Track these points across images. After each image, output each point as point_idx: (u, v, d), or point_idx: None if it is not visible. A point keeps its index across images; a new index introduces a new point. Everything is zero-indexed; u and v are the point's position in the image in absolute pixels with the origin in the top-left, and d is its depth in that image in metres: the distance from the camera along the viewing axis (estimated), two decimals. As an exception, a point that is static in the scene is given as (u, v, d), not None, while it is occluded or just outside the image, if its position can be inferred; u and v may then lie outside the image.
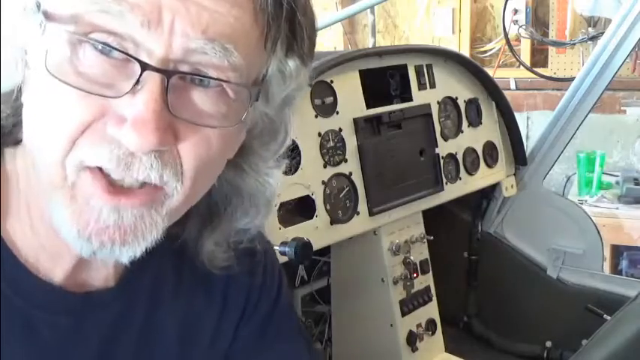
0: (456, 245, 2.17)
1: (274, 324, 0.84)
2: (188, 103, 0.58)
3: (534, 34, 3.68)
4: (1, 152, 0.66)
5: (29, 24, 0.57)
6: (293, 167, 1.45)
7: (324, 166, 1.55)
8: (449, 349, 1.89)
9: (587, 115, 2.01)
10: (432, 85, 1.84)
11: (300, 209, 1.50)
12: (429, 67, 1.84)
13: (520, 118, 2.75)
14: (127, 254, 0.60)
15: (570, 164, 3.34)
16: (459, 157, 1.91)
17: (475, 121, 1.97)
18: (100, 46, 0.55)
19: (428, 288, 1.85)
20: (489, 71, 2.26)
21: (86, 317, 0.68)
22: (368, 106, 1.67)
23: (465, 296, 2.19)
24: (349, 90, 1.63)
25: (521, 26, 3.64)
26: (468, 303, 2.19)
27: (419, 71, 1.81)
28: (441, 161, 1.84)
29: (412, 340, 1.76)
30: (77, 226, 0.58)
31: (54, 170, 0.57)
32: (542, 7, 3.74)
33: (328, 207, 1.55)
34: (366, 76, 1.67)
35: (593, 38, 3.46)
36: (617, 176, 3.23)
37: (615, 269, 3.06)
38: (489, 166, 2.01)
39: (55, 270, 0.66)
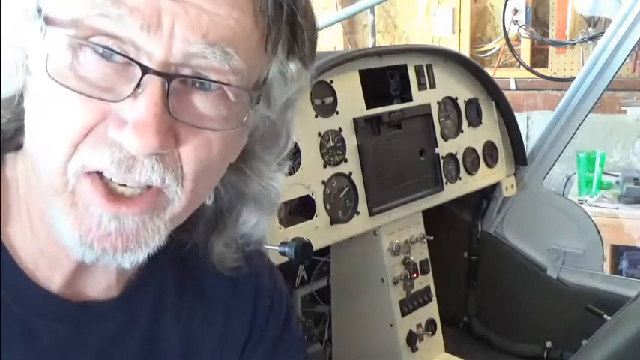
0: (456, 245, 2.16)
1: (285, 350, 0.83)
2: (189, 106, 0.58)
3: (534, 34, 3.68)
4: (3, 157, 0.66)
5: (30, 29, 0.56)
6: (293, 167, 1.45)
7: (324, 166, 1.55)
8: (449, 349, 1.89)
9: (587, 115, 2.01)
10: (432, 85, 1.84)
11: (300, 209, 1.50)
12: (429, 67, 1.84)
13: (520, 118, 2.75)
14: (129, 260, 0.60)
15: (570, 164, 3.34)
16: (459, 157, 1.91)
17: (475, 121, 1.97)
18: (100, 50, 0.55)
19: (428, 288, 1.85)
20: (489, 71, 2.26)
21: (85, 326, 0.68)
22: (368, 106, 1.67)
23: (465, 296, 2.19)
24: (349, 90, 1.63)
25: (521, 26, 3.64)
26: (468, 303, 2.19)
27: (419, 71, 1.81)
28: (441, 161, 1.84)
29: (412, 340, 1.76)
30: (79, 232, 0.58)
31: (56, 175, 0.57)
32: (542, 7, 3.74)
33: (328, 207, 1.55)
34: (366, 76, 1.67)
35: (593, 38, 3.46)
36: (617, 176, 3.23)
37: (615, 269, 3.06)
38: (489, 166, 2.01)
39: (54, 277, 0.66)
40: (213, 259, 0.75)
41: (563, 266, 2.05)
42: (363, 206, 1.63)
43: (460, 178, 1.91)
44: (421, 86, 1.81)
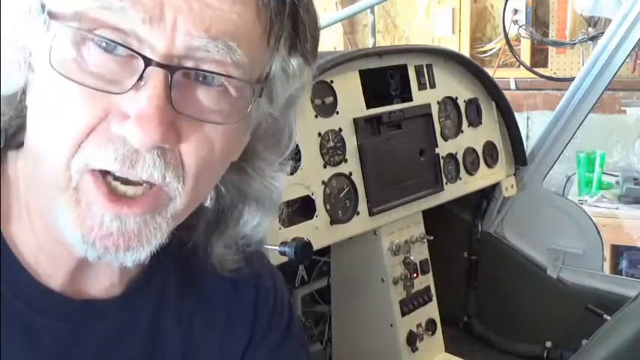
0: (456, 245, 2.16)
1: (288, 350, 0.83)
2: (192, 99, 0.58)
3: (534, 34, 3.68)
4: (4, 154, 0.66)
5: (34, 25, 0.57)
6: (293, 167, 1.45)
7: (324, 166, 1.55)
8: (449, 349, 1.89)
9: (587, 115, 2.01)
10: (432, 85, 1.84)
11: (300, 209, 1.50)
12: (429, 67, 1.84)
13: (520, 118, 2.75)
14: (131, 258, 0.60)
15: (570, 164, 3.34)
16: (459, 157, 1.91)
17: (475, 121, 1.97)
18: (103, 43, 0.55)
19: (428, 288, 1.85)
20: (489, 71, 2.26)
21: (86, 325, 0.67)
22: (368, 106, 1.67)
23: (465, 296, 2.19)
24: (349, 90, 1.63)
25: (521, 26, 3.64)
26: (468, 303, 2.19)
27: (419, 71, 1.81)
28: (441, 161, 1.84)
29: (412, 340, 1.76)
30: (81, 230, 0.58)
31: (59, 172, 0.57)
32: (542, 7, 3.74)
33: (328, 207, 1.55)
34: (366, 76, 1.67)
35: (593, 38, 3.46)
36: (617, 176, 3.23)
37: (615, 269, 3.06)
38: (489, 166, 2.01)
39: (56, 275, 0.66)
40: (214, 261, 0.75)
41: (563, 266, 2.05)
42: (363, 206, 1.63)
43: (460, 178, 1.91)
44: (421, 86, 1.81)
